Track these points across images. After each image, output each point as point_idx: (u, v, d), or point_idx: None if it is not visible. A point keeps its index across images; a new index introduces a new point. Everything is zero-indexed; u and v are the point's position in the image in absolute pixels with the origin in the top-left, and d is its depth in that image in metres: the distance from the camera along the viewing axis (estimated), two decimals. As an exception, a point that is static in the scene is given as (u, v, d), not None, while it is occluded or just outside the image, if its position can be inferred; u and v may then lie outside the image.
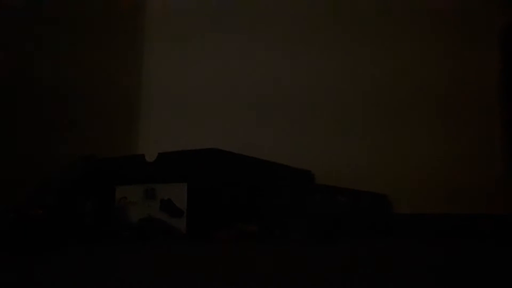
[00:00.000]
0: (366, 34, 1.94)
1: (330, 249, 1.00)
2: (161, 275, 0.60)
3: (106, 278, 0.57)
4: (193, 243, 1.16)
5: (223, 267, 0.68)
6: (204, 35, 2.36)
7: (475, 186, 1.64)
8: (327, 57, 2.01)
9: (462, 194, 1.66)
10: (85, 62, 2.14)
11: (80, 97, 2.10)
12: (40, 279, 0.56)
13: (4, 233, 0.95)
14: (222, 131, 2.20)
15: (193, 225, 1.34)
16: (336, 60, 1.99)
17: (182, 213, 1.36)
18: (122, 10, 2.37)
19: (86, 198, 1.32)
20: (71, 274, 0.60)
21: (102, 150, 2.11)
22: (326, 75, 2.00)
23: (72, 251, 0.92)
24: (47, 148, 1.89)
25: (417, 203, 1.73)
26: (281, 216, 1.37)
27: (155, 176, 1.45)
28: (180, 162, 1.42)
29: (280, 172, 1.67)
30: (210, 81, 2.30)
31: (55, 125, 1.96)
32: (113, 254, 0.88)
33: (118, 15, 2.35)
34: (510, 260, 0.80)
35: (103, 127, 2.19)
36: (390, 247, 1.09)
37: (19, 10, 1.85)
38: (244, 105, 2.17)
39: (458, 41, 1.75)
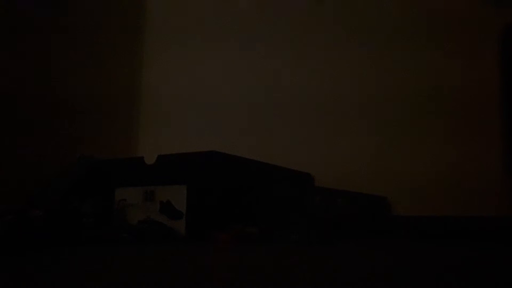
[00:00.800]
0: (366, 37, 1.94)
1: (329, 250, 1.00)
2: (161, 275, 0.59)
3: (106, 279, 0.57)
4: (193, 245, 1.16)
5: (222, 268, 0.67)
6: (204, 37, 2.36)
7: (475, 187, 1.64)
8: (327, 59, 2.02)
9: (462, 196, 1.66)
10: (85, 63, 2.14)
11: (80, 98, 2.10)
12: (39, 280, 0.56)
13: (3, 234, 0.95)
14: (221, 134, 2.20)
15: (192, 227, 1.34)
16: (336, 62, 1.99)
17: (182, 215, 1.36)
18: (122, 10, 2.37)
19: (85, 199, 1.31)
20: (70, 275, 0.60)
21: (102, 152, 2.11)
22: (326, 78, 2.01)
23: (71, 252, 0.92)
24: (47, 149, 1.89)
25: (416, 205, 1.73)
26: (281, 218, 1.37)
27: (155, 178, 1.45)
28: (180, 164, 1.42)
29: (280, 175, 1.67)
30: (210, 83, 2.30)
31: (55, 126, 1.96)
32: (112, 255, 0.88)
33: (118, 16, 2.36)
34: (510, 261, 0.80)
35: (103, 129, 2.19)
36: (390, 248, 1.09)
37: (20, 11, 1.85)
38: (244, 108, 2.17)
39: (458, 43, 1.76)
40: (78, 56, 2.11)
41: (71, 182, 1.54)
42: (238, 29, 2.26)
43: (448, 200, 1.68)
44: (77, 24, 2.12)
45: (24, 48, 1.86)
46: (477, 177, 1.65)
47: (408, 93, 1.82)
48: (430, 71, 1.79)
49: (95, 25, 2.21)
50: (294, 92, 2.07)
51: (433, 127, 1.76)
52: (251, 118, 2.14)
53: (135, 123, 2.43)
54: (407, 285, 0.53)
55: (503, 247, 1.17)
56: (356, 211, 1.61)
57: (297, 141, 2.02)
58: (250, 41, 2.22)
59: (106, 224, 1.35)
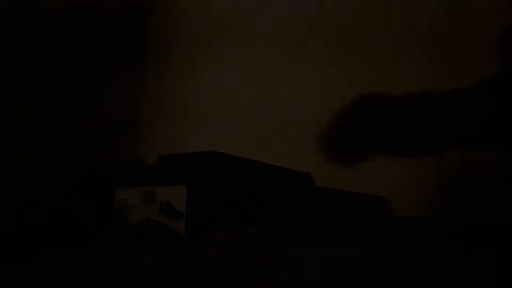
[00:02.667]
0: (367, 39, 1.94)
1: (329, 251, 1.00)
2: (161, 275, 0.59)
3: (106, 279, 0.57)
4: (193, 245, 1.16)
5: (222, 268, 0.68)
6: (203, 38, 2.36)
7: (475, 187, 1.64)
8: (328, 63, 2.02)
9: (462, 196, 1.66)
10: (85, 64, 2.14)
11: (80, 98, 2.10)
12: (39, 280, 0.56)
13: (4, 236, 0.95)
14: (222, 134, 2.20)
15: (192, 228, 1.34)
16: (338, 65, 1.99)
17: (181, 215, 1.36)
18: (123, 12, 2.37)
19: (85, 200, 1.31)
20: (70, 276, 0.60)
21: (102, 152, 2.11)
22: (327, 80, 2.01)
23: (71, 252, 0.92)
24: (46, 150, 1.89)
25: (416, 205, 1.73)
26: (281, 219, 1.37)
27: (155, 178, 1.45)
28: (180, 164, 1.42)
29: (280, 175, 1.67)
30: (209, 83, 2.30)
31: (55, 127, 1.96)
32: (112, 255, 0.88)
33: (119, 17, 2.35)
34: (508, 263, 0.80)
35: (103, 130, 2.19)
36: (390, 248, 1.09)
37: (22, 12, 1.86)
38: (244, 108, 2.17)
39: (457, 43, 1.76)
40: (78, 56, 2.11)
41: (71, 182, 1.55)
42: (239, 32, 2.26)
43: (448, 200, 1.68)
44: (78, 26, 2.12)
45: (25, 51, 1.86)
46: (477, 177, 1.64)
47: (407, 93, 1.82)
48: (430, 71, 1.79)
49: (96, 27, 2.21)
50: (293, 92, 2.07)
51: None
52: (251, 118, 2.14)
53: (135, 123, 2.43)
54: (407, 285, 0.53)
55: (503, 248, 1.17)
56: (356, 211, 1.61)
57: (297, 141, 2.01)
58: (249, 41, 2.22)
59: (106, 224, 1.34)
